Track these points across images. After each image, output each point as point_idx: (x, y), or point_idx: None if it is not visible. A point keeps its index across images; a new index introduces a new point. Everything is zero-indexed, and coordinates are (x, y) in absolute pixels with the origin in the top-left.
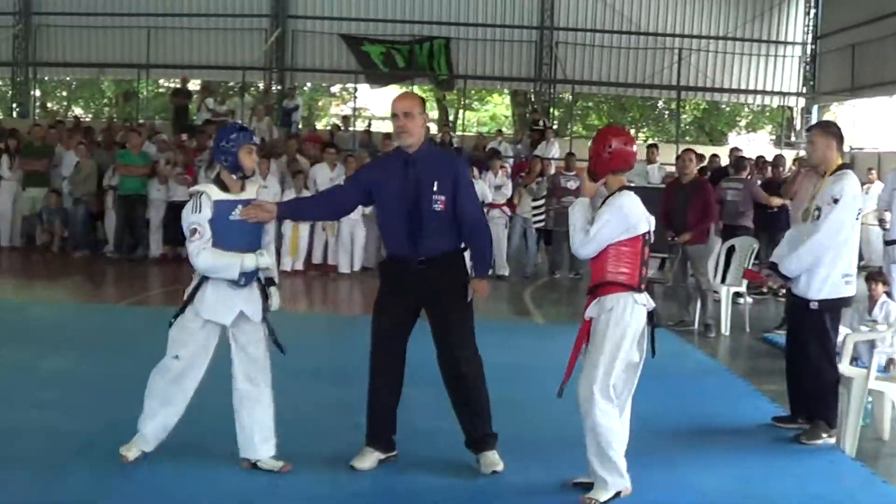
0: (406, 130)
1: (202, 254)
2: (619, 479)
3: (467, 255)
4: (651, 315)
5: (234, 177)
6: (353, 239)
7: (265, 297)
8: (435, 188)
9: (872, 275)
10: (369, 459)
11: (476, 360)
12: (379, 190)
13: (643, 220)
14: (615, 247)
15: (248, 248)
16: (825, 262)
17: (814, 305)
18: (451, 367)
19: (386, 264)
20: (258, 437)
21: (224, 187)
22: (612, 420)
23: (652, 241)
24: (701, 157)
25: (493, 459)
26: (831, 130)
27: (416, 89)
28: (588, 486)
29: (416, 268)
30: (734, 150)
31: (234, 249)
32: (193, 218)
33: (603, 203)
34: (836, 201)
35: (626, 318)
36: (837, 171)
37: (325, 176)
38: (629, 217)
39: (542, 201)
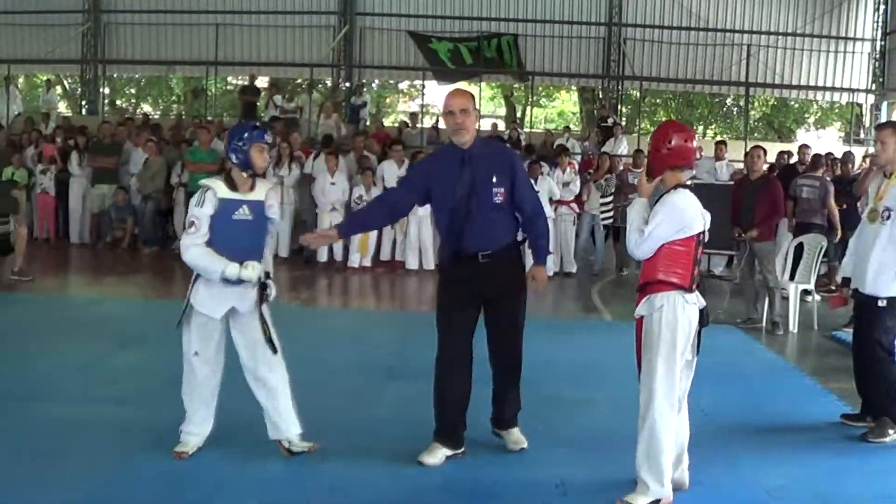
0: (464, 127)
1: (191, 249)
2: (660, 488)
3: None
4: (702, 313)
5: (244, 174)
6: (420, 236)
7: (262, 290)
8: (494, 181)
9: None
10: (437, 455)
11: None
12: (437, 188)
13: (698, 220)
14: (669, 246)
15: (249, 248)
16: (893, 261)
17: (882, 303)
18: (509, 357)
19: (447, 260)
20: (280, 418)
21: (233, 185)
22: (669, 425)
23: (706, 240)
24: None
25: (520, 437)
26: None
27: (483, 86)
28: None
29: (481, 262)
30: (803, 146)
31: (236, 248)
32: (194, 211)
33: (657, 201)
34: None
35: (677, 316)
36: None
37: (393, 173)
38: (684, 216)
39: (610, 198)
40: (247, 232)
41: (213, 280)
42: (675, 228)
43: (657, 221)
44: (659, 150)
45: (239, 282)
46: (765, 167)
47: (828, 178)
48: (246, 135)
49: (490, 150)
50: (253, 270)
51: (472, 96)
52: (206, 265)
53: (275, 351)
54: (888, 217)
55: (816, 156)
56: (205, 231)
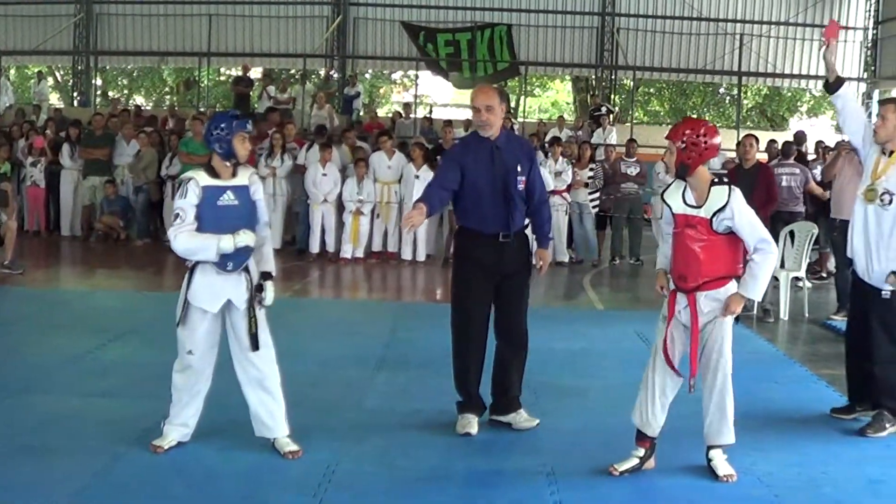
0: (489, 123)
1: (179, 237)
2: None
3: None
4: None
5: (227, 164)
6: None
7: (254, 287)
8: (518, 170)
9: None
10: (475, 424)
11: None
12: (469, 172)
13: None
14: (733, 237)
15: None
16: None
17: (886, 294)
18: (517, 336)
19: (468, 239)
20: (265, 417)
21: (214, 173)
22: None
23: None
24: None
25: (528, 416)
26: None
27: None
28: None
29: (500, 241)
30: (798, 134)
31: (226, 235)
32: (178, 203)
33: (726, 205)
34: None
35: None
36: None
37: (383, 164)
38: None
39: (596, 186)
40: (235, 217)
41: (212, 258)
42: None
43: (753, 216)
44: (697, 146)
45: (234, 266)
46: (758, 156)
47: (809, 172)
48: (228, 124)
49: (514, 141)
50: (246, 234)
51: (498, 92)
52: (198, 246)
53: (255, 348)
54: (889, 202)
55: (787, 143)
56: (191, 220)
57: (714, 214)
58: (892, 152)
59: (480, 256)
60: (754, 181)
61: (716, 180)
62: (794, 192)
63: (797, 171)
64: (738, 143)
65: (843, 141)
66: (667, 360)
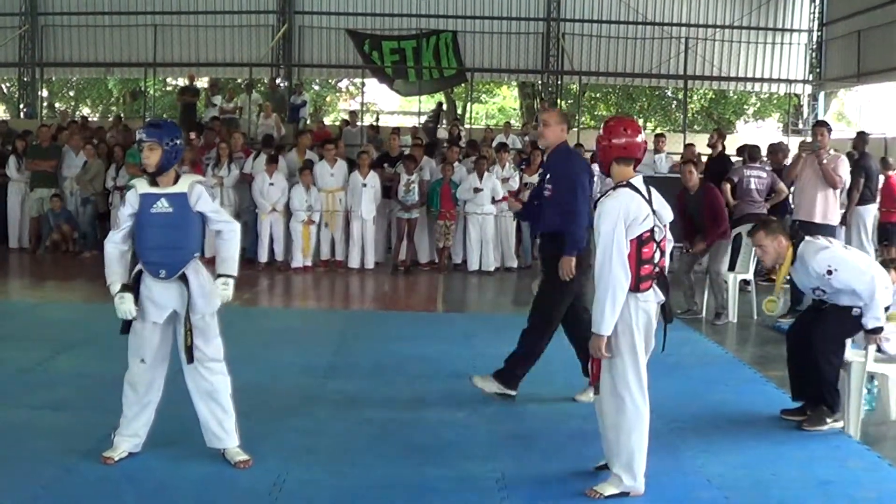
0: (541, 135)
1: (107, 246)
2: (630, 480)
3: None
4: (664, 308)
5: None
6: (363, 236)
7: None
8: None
9: (885, 262)
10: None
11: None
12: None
13: (638, 223)
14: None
15: (170, 243)
16: None
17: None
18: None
19: None
20: (215, 428)
21: (155, 182)
22: (639, 419)
23: (661, 237)
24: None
25: (500, 387)
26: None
27: (421, 83)
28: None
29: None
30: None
31: (155, 243)
32: (118, 212)
33: (596, 204)
34: None
35: (626, 315)
36: None
37: (326, 172)
38: (628, 212)
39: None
40: (166, 226)
41: (149, 283)
42: (624, 226)
43: (605, 230)
44: (600, 144)
45: (168, 275)
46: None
47: (768, 168)
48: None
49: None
50: (121, 303)
51: (557, 114)
52: (106, 270)
53: (189, 361)
54: None
55: (755, 147)
56: (123, 228)
57: None
58: None
59: None
60: (701, 204)
61: (624, 183)
62: (761, 196)
63: (763, 174)
64: (680, 167)
65: (805, 142)
66: None
